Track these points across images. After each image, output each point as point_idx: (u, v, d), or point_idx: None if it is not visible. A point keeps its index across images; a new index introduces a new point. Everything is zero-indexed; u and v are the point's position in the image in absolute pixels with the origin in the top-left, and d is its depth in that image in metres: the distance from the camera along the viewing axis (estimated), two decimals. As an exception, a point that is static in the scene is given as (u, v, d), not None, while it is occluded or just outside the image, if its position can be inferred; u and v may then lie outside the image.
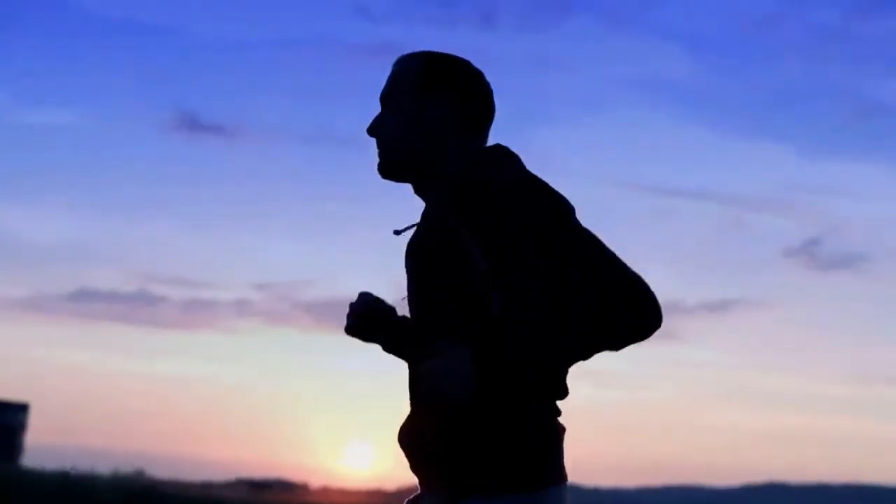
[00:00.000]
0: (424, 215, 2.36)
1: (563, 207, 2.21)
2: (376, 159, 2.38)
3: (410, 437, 2.28)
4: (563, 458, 2.23)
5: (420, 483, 2.31)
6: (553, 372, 2.18)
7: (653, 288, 2.20)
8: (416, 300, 2.33)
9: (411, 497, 2.33)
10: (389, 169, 2.36)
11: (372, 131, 2.38)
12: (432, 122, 2.33)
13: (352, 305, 2.34)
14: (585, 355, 2.19)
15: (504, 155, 2.31)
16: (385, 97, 2.39)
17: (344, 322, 2.35)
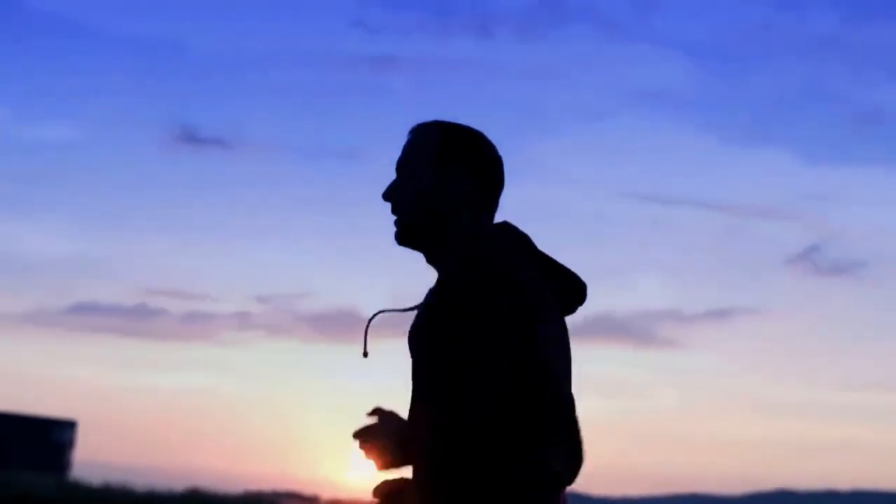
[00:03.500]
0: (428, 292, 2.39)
1: (515, 318, 2.15)
2: (392, 227, 2.44)
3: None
4: None
5: None
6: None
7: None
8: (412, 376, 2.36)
9: None
10: (405, 237, 2.42)
11: (387, 197, 2.44)
12: (448, 194, 2.39)
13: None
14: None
15: (497, 238, 2.34)
16: (401, 165, 2.45)
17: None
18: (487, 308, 2.15)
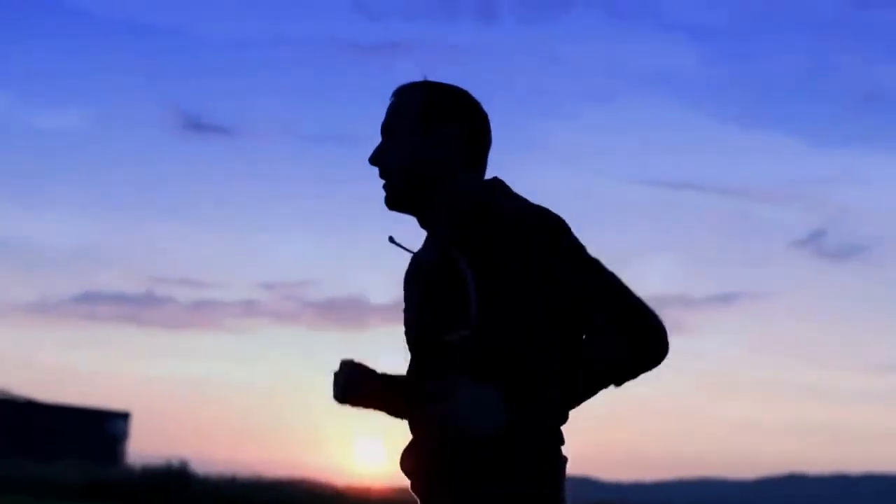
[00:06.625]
0: (426, 246, 2.43)
1: (562, 233, 2.25)
2: (381, 191, 2.42)
3: (416, 466, 2.34)
4: (565, 484, 2.29)
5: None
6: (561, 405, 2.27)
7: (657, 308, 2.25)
8: (416, 329, 2.40)
9: None
10: (394, 201, 2.40)
11: (374, 161, 2.41)
12: (435, 153, 2.36)
13: (336, 374, 2.35)
14: (586, 391, 2.28)
15: (502, 187, 2.37)
16: (386, 128, 2.42)
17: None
18: (505, 254, 2.22)
